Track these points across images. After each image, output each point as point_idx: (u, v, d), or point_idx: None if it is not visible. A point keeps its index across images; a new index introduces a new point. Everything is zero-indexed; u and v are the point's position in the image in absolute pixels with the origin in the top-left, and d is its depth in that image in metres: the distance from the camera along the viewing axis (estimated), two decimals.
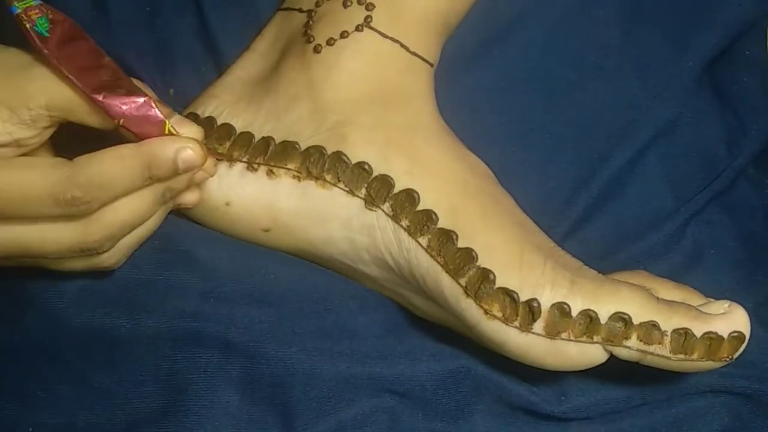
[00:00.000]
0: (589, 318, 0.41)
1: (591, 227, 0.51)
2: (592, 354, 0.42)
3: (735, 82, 0.56)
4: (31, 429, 0.46)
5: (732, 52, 0.55)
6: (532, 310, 0.42)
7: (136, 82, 0.44)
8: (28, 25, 0.41)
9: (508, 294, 0.42)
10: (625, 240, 0.51)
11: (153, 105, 0.41)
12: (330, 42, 0.46)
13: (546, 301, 0.42)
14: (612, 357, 0.43)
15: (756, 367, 0.49)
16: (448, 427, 0.47)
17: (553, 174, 0.51)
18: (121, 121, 0.41)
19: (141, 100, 0.41)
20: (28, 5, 0.41)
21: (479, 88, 0.51)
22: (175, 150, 0.41)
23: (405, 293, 0.47)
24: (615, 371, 0.47)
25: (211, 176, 0.45)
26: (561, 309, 0.41)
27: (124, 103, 0.41)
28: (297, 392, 0.46)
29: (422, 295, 0.46)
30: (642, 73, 0.52)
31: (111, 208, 0.41)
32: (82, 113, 0.41)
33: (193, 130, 0.42)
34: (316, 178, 0.45)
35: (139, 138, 0.41)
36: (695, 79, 0.53)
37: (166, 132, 0.42)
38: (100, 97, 0.41)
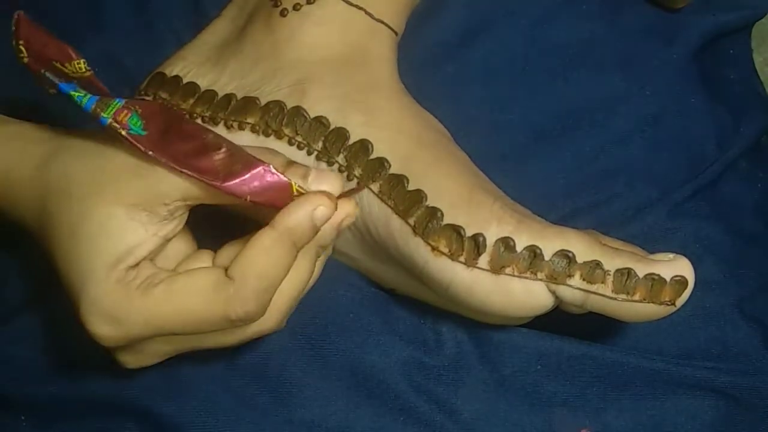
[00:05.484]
0: (534, 254, 0.41)
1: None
2: (536, 293, 0.42)
3: (722, 77, 0.56)
4: None
5: (717, 48, 0.56)
6: (477, 244, 0.42)
7: (247, 148, 0.41)
8: (123, 132, 0.38)
9: (455, 230, 0.42)
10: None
11: (272, 171, 0.39)
12: (296, 7, 0.48)
13: (491, 236, 0.42)
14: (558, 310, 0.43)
15: (741, 362, 0.49)
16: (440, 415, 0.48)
17: (534, 164, 0.52)
18: (248, 197, 0.39)
19: (259, 170, 0.39)
20: (114, 109, 0.39)
21: (461, 77, 0.52)
22: (309, 216, 0.39)
23: (376, 266, 0.48)
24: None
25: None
26: (506, 243, 0.42)
27: (244, 181, 0.39)
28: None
29: (391, 262, 0.46)
30: (625, 64, 0.53)
31: (278, 293, 0.40)
32: (215, 194, 0.40)
33: (321, 182, 0.40)
34: (275, 132, 0.46)
35: (269, 205, 0.39)
36: (680, 72, 0.54)
37: (294, 192, 0.39)
38: (219, 184, 0.39)
